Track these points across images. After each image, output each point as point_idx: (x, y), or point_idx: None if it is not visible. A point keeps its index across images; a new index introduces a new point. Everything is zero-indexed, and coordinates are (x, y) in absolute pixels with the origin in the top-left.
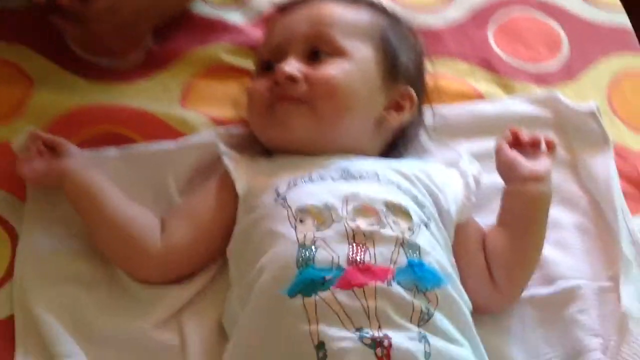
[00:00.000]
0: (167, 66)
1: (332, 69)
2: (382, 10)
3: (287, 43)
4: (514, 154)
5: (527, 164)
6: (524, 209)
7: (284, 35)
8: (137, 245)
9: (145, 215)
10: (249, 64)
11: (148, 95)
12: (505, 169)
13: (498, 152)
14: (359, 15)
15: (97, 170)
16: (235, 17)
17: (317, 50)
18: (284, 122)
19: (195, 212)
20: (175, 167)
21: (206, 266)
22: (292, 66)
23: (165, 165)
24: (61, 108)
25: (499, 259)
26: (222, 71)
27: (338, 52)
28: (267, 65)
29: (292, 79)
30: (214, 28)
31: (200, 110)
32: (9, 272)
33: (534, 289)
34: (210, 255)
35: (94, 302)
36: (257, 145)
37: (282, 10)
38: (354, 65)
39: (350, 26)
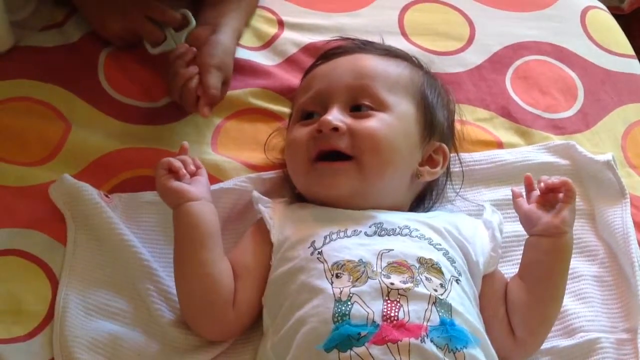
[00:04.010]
0: None
1: (375, 123)
2: (418, 65)
3: (329, 92)
4: (531, 208)
5: (544, 217)
6: (542, 263)
7: (325, 83)
8: (216, 308)
9: (229, 275)
10: (276, 107)
11: (181, 138)
12: (525, 222)
13: (516, 208)
14: (399, 70)
15: (214, 211)
16: (262, 59)
17: (360, 103)
18: (330, 179)
19: (250, 268)
20: None
21: None
22: (336, 116)
23: None
24: (97, 151)
25: (518, 312)
26: (251, 114)
27: (380, 106)
28: (307, 114)
29: (336, 130)
30: (242, 70)
31: (231, 154)
32: (50, 315)
33: (555, 341)
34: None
35: (132, 347)
36: (289, 190)
37: (321, 58)
38: (396, 120)
39: (392, 81)
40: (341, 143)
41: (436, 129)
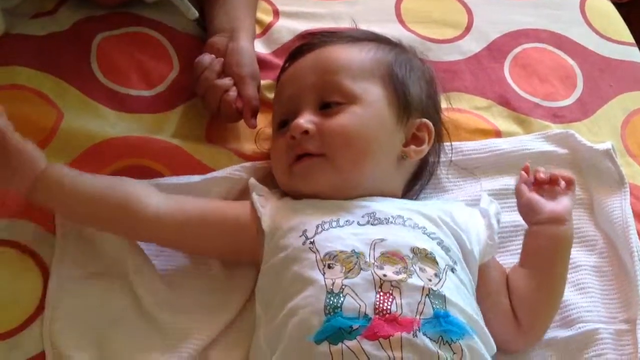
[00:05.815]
0: (191, 97)
1: (345, 119)
2: (386, 42)
3: (297, 96)
4: (533, 196)
5: (547, 205)
6: (546, 249)
7: (293, 88)
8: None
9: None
10: (271, 95)
11: (175, 126)
12: (526, 210)
13: (518, 194)
14: (363, 55)
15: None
16: (257, 47)
17: (328, 101)
18: (305, 177)
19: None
20: None
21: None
22: (306, 119)
23: None
24: (90, 140)
25: (523, 299)
26: None
27: (348, 99)
28: (284, 123)
29: (306, 132)
30: None
31: (225, 143)
32: (41, 306)
33: (553, 332)
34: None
35: (123, 337)
36: None
37: (288, 60)
38: (367, 109)
39: (356, 69)
40: (310, 145)
41: (412, 105)
